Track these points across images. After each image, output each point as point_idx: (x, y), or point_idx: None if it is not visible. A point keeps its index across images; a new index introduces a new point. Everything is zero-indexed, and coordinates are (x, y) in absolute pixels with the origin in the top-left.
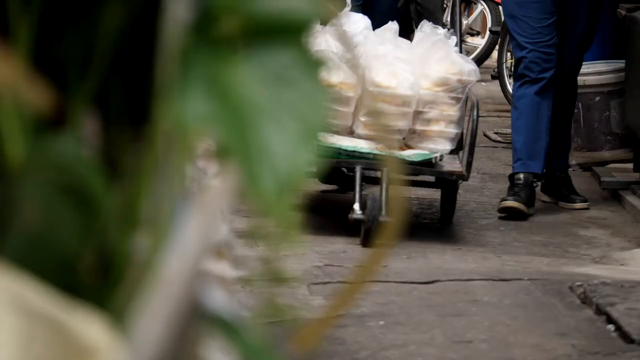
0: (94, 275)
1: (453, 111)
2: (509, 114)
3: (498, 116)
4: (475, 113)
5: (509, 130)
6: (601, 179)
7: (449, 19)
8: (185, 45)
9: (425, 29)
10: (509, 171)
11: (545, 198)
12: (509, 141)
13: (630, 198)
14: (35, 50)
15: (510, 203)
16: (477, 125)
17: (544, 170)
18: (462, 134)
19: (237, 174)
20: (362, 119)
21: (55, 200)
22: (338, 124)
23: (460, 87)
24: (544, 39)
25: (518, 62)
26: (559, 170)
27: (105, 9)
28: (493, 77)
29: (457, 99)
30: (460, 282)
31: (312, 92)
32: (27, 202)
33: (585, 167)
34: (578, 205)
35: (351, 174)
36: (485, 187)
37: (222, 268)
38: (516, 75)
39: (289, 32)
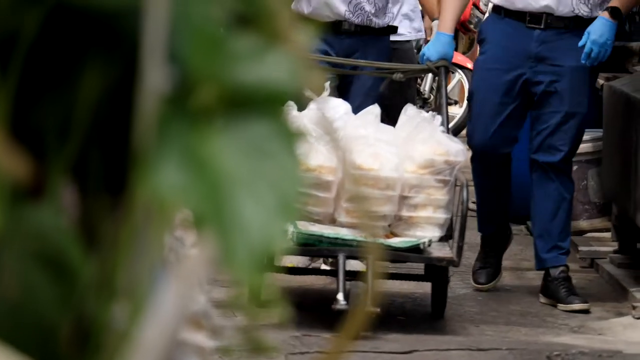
0: (73, 345)
1: (441, 195)
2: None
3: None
4: (465, 195)
5: None
6: (579, 248)
7: (426, 89)
8: (163, 114)
9: (409, 112)
10: None
11: (544, 300)
12: None
13: (608, 267)
14: (13, 119)
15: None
16: (467, 208)
17: (539, 268)
18: (451, 218)
19: (213, 245)
20: (344, 205)
21: (33, 269)
22: (319, 211)
23: (447, 169)
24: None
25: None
26: (553, 268)
27: (84, 77)
28: None
29: (445, 182)
30: (439, 352)
31: (289, 163)
32: (5, 272)
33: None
34: (577, 306)
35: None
36: (463, 256)
37: (200, 338)
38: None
39: (266, 103)
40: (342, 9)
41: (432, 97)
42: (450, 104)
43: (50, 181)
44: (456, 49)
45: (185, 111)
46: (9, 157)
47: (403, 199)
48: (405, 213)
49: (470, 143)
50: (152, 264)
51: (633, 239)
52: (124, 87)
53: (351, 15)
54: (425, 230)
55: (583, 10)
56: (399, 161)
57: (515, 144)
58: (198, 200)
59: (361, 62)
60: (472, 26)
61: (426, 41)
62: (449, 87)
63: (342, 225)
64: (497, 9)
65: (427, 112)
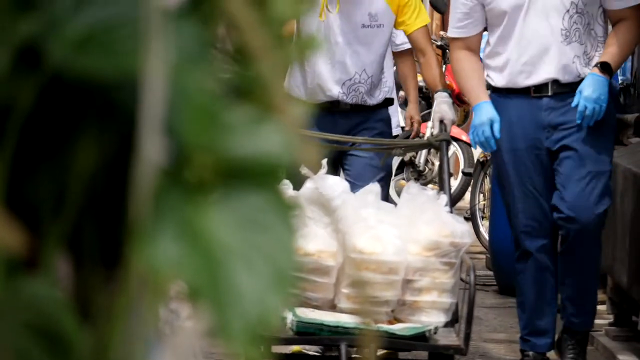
0: None
1: (446, 278)
2: (482, 256)
3: (471, 258)
4: (471, 278)
5: (482, 272)
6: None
7: (421, 161)
8: (158, 186)
9: (411, 190)
10: (482, 314)
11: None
12: (482, 283)
13: (604, 340)
14: (8, 192)
15: None
16: (474, 293)
17: (566, 328)
18: (457, 303)
19: (208, 317)
20: (345, 290)
21: (27, 341)
22: (318, 297)
23: (453, 251)
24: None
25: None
26: (579, 331)
27: (79, 149)
28: (466, 219)
29: (451, 265)
30: None
31: (284, 236)
32: (0, 344)
33: (559, 308)
34: None
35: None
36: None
37: None
38: (514, 246)
39: (261, 176)
40: (335, 91)
41: (427, 169)
42: None
43: (45, 253)
44: None
45: (181, 183)
46: (4, 229)
47: (407, 282)
48: (409, 297)
49: (514, 235)
50: (146, 336)
51: (628, 312)
52: (120, 158)
53: (345, 97)
54: (430, 315)
55: (587, 73)
56: (401, 244)
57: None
58: (193, 272)
59: (359, 139)
60: (465, 98)
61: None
62: None
63: (343, 312)
64: (497, 89)
65: (419, 182)
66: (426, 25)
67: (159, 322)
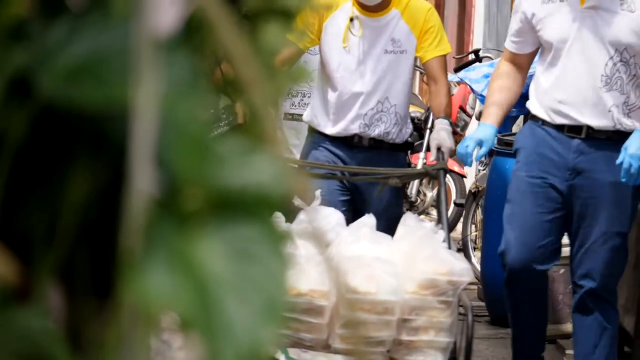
0: None
1: (444, 317)
2: (474, 287)
3: (464, 289)
4: (470, 318)
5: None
6: (565, 351)
7: (412, 192)
8: (150, 217)
9: (408, 222)
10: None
11: None
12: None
13: None
14: (0, 222)
15: None
16: (472, 332)
17: None
18: (455, 342)
19: (200, 348)
20: (339, 331)
21: None
22: (311, 338)
23: (451, 289)
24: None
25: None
26: None
27: (71, 179)
28: (458, 250)
29: (448, 303)
30: None
31: (275, 267)
32: None
33: (550, 339)
34: None
35: None
36: None
37: None
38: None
39: (253, 206)
40: (357, 121)
41: (419, 200)
42: (435, 207)
43: (37, 283)
44: None
45: (173, 214)
46: None
47: (403, 322)
48: (405, 337)
49: (506, 261)
50: None
51: (620, 343)
52: (112, 189)
53: (367, 129)
54: (427, 355)
55: (625, 124)
56: (397, 283)
57: (555, 260)
58: (185, 303)
59: (353, 168)
60: (458, 129)
61: None
62: (436, 190)
63: (337, 353)
64: (534, 117)
65: (413, 212)
66: (444, 55)
67: (151, 353)
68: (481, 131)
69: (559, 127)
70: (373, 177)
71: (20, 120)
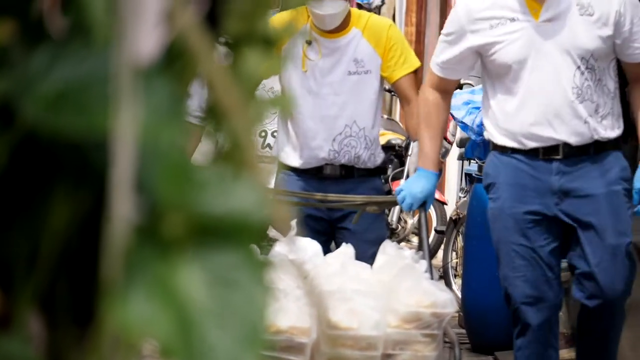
0: None
1: (428, 351)
2: (455, 314)
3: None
4: (457, 351)
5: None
6: None
7: (393, 219)
8: (131, 244)
9: (388, 250)
10: None
11: None
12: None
13: None
14: None
15: None
16: None
17: None
18: None
19: None
20: None
21: None
22: None
23: (435, 322)
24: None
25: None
26: None
27: (52, 207)
28: (439, 277)
29: (433, 336)
30: None
31: (256, 294)
32: None
33: None
34: None
35: None
36: None
37: None
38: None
39: (234, 233)
40: (325, 148)
41: (399, 227)
42: (417, 234)
43: (18, 311)
44: None
45: (154, 240)
46: None
47: (387, 357)
48: None
49: (513, 307)
50: None
51: None
52: (93, 216)
53: (337, 155)
54: None
55: (601, 134)
56: (380, 317)
57: (562, 292)
58: (165, 330)
59: (331, 196)
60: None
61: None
62: (416, 217)
63: None
64: (501, 148)
65: (394, 241)
66: (413, 72)
67: None
68: (424, 184)
69: (533, 152)
70: (349, 205)
71: (2, 147)
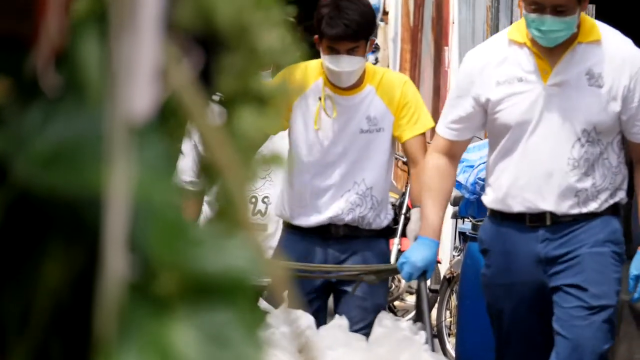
0: None
1: None
2: None
3: None
4: None
5: None
6: None
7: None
8: (124, 301)
9: (385, 322)
10: None
11: None
12: None
13: None
14: None
15: None
16: None
17: None
18: None
19: None
20: None
21: None
22: None
23: None
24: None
25: None
26: None
27: (45, 264)
28: (433, 336)
29: None
30: None
31: (249, 352)
32: None
33: None
34: None
35: None
36: None
37: None
38: None
39: (228, 291)
40: (333, 206)
41: (393, 286)
42: (412, 293)
43: None
44: None
45: (148, 298)
46: None
47: None
48: None
49: None
50: None
51: None
52: (87, 274)
53: (342, 214)
54: None
55: (591, 207)
56: None
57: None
58: None
59: (327, 266)
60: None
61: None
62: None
63: None
64: (493, 213)
65: (389, 299)
66: (424, 133)
67: None
68: (425, 252)
69: (520, 218)
70: (348, 276)
71: None
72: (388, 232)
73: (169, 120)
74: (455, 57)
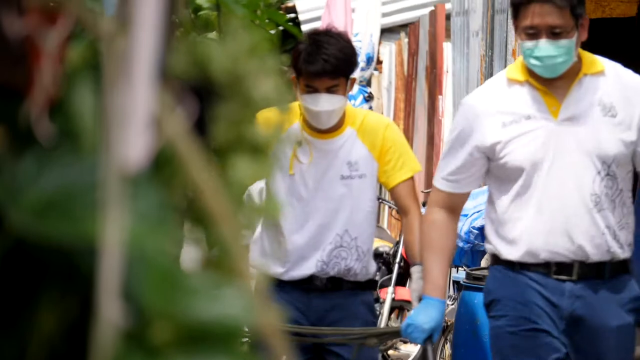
0: None
1: None
2: None
3: None
4: None
5: None
6: None
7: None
8: (118, 350)
9: None
10: None
11: None
12: None
13: None
14: None
15: None
16: None
17: None
18: None
19: None
20: None
21: None
22: None
23: None
24: None
25: None
26: None
27: (40, 312)
28: None
29: None
30: None
31: None
32: None
33: None
34: None
35: None
36: None
37: None
38: None
39: (222, 340)
40: (313, 260)
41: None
42: (405, 342)
43: None
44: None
45: (142, 347)
46: None
47: None
48: None
49: None
50: None
51: None
52: (81, 321)
53: (325, 267)
54: None
55: (616, 251)
56: None
57: None
58: None
59: (324, 329)
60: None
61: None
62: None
63: None
64: (506, 262)
65: (381, 347)
66: (412, 177)
67: None
68: (431, 314)
69: (544, 268)
70: (347, 339)
71: None
72: (373, 284)
73: (163, 169)
74: (450, 106)
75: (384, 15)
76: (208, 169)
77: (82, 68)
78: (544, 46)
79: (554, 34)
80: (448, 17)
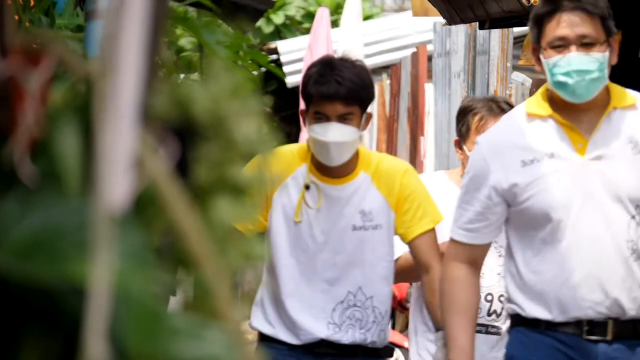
0: None
1: None
2: None
3: None
4: None
5: None
6: None
7: None
8: None
9: None
10: None
11: None
12: None
13: None
14: None
15: None
16: None
17: None
18: None
19: None
20: None
21: None
22: None
23: None
24: None
25: None
26: None
27: (24, 353)
28: None
29: None
30: None
31: None
32: None
33: None
34: None
35: None
36: None
37: None
38: None
39: None
40: (323, 322)
41: None
42: None
43: None
44: (393, 327)
45: None
46: None
47: None
48: None
49: None
50: None
51: None
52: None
53: (337, 330)
54: None
55: None
56: None
57: None
58: None
59: None
60: (409, 305)
61: None
62: None
63: None
64: (532, 322)
65: None
66: (433, 229)
67: None
68: None
69: (574, 327)
70: None
71: None
72: (388, 352)
73: (145, 210)
74: (432, 147)
75: (367, 56)
76: (190, 210)
77: (65, 109)
78: (576, 59)
79: (585, 45)
80: (430, 58)
